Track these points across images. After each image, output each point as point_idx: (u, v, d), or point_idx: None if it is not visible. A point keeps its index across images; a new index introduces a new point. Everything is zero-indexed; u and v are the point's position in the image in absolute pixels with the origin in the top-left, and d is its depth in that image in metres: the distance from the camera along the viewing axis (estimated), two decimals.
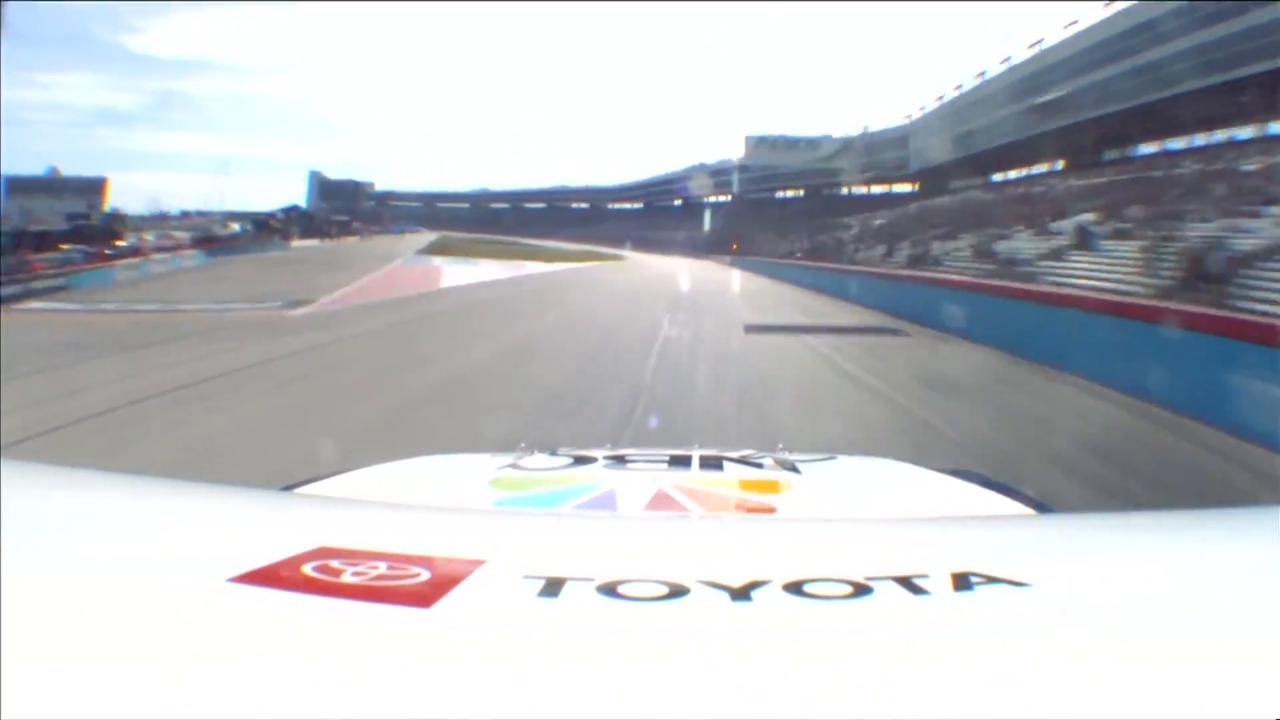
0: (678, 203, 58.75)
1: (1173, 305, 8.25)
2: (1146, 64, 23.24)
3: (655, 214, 60.58)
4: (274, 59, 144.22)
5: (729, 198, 52.73)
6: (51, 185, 40.26)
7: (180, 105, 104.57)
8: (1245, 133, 20.75)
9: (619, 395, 7.14)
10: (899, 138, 42.10)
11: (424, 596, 0.46)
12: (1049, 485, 4.45)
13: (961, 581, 0.49)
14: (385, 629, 0.42)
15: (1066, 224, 17.78)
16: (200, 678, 0.37)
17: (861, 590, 0.48)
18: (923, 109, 39.95)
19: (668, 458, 1.48)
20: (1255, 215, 12.86)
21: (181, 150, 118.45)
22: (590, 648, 0.41)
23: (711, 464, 1.43)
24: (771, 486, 1.29)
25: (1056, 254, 16.15)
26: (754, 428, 6.12)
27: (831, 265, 24.27)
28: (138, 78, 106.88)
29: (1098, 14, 26.18)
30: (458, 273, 28.56)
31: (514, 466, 1.42)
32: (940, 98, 37.88)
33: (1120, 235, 15.36)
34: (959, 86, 36.14)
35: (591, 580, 0.49)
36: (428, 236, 55.57)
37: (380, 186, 75.21)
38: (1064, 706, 0.36)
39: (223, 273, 26.17)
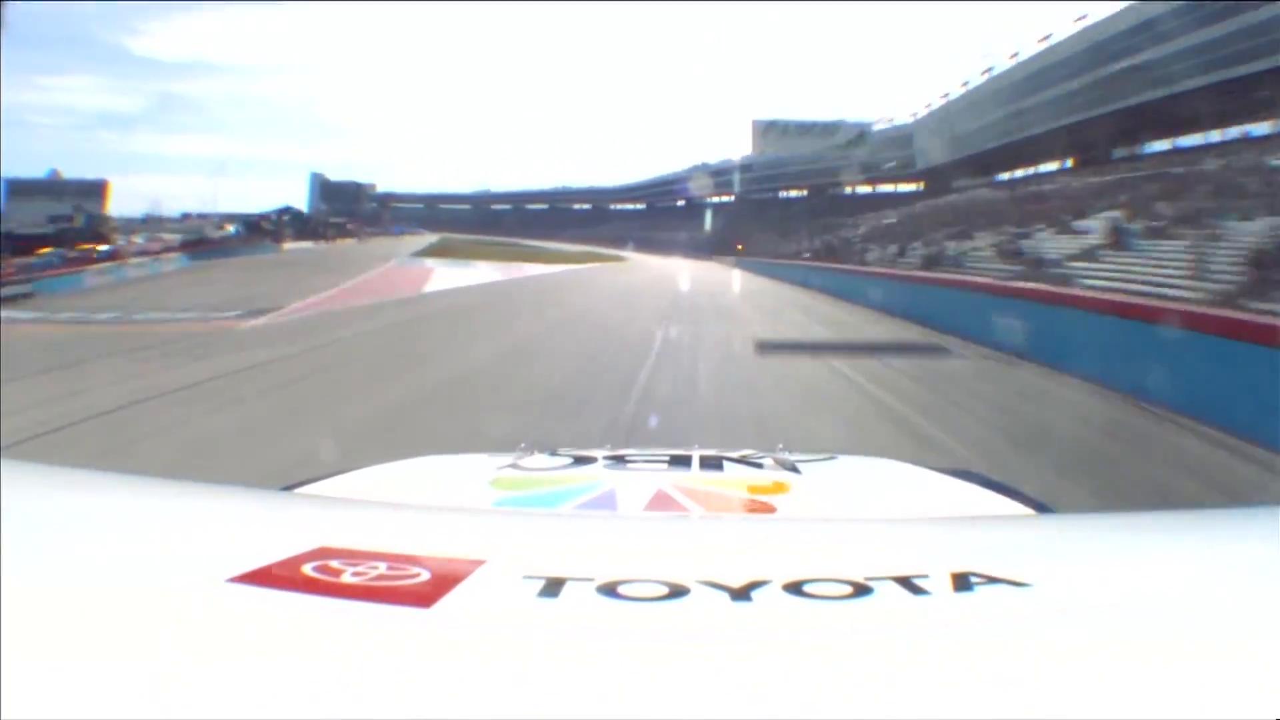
0: (680, 203, 58.10)
1: None
2: (1156, 59, 22.68)
3: (658, 215, 59.90)
4: (275, 60, 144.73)
5: (731, 198, 52.28)
6: (52, 188, 39.96)
7: (182, 107, 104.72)
8: (1262, 128, 19.97)
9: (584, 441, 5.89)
10: (903, 136, 41.43)
11: (424, 596, 0.45)
12: None
13: (961, 582, 0.49)
14: (385, 629, 0.42)
15: (1093, 222, 16.73)
16: (200, 678, 0.37)
17: (861, 590, 0.48)
18: (928, 106, 39.45)
19: (668, 458, 1.48)
20: None
21: (183, 152, 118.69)
22: (590, 648, 0.41)
23: (712, 464, 1.43)
24: (771, 487, 1.28)
25: (1089, 254, 15.09)
26: None
27: (844, 267, 22.94)
28: (139, 79, 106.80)
29: (1107, 9, 25.56)
30: (447, 276, 27.45)
31: (514, 466, 1.42)
32: (946, 95, 37.36)
33: (1154, 234, 14.30)
34: (965, 83, 35.68)
35: (591, 580, 0.48)
36: (428, 238, 54.59)
37: (382, 188, 74.46)
38: (1064, 707, 0.36)
39: (200, 277, 25.22)
